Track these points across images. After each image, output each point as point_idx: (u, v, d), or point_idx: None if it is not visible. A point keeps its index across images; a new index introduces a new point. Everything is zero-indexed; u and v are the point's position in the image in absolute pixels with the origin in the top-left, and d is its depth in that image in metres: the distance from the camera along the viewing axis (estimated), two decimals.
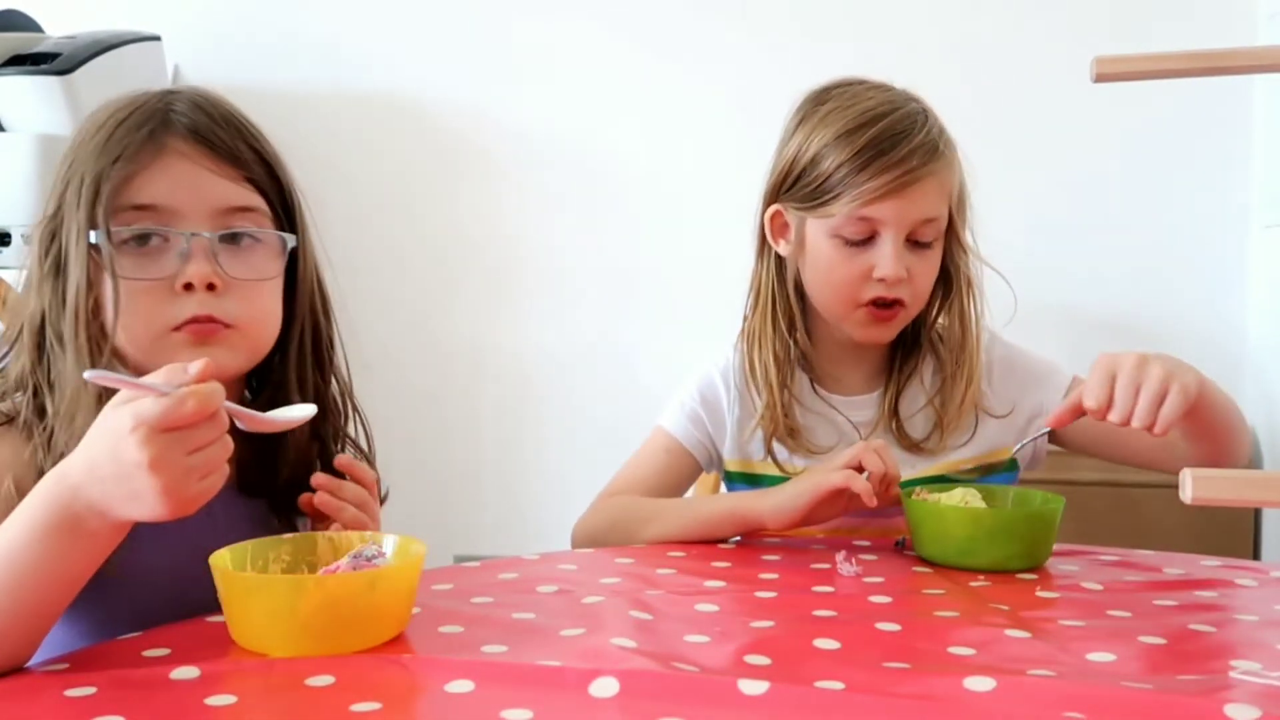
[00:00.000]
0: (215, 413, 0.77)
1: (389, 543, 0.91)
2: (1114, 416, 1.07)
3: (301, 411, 0.90)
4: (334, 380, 1.09)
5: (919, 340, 1.34)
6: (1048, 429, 1.21)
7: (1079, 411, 1.11)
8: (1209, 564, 1.14)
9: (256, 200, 0.99)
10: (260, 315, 0.98)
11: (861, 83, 1.31)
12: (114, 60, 2.19)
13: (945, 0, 2.30)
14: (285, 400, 1.01)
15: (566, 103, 2.42)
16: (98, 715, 0.72)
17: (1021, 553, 1.10)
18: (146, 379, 0.77)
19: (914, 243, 1.25)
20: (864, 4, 2.32)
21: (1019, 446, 1.27)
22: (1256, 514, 2.03)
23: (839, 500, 1.16)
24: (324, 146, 2.49)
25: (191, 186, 0.95)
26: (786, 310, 1.32)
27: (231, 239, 0.97)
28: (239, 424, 0.84)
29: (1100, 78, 0.69)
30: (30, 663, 0.82)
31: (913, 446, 1.30)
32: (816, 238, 1.27)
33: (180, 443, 0.76)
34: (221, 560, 0.86)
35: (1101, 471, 1.61)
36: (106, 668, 0.80)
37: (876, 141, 1.23)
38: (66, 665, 0.81)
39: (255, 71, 2.47)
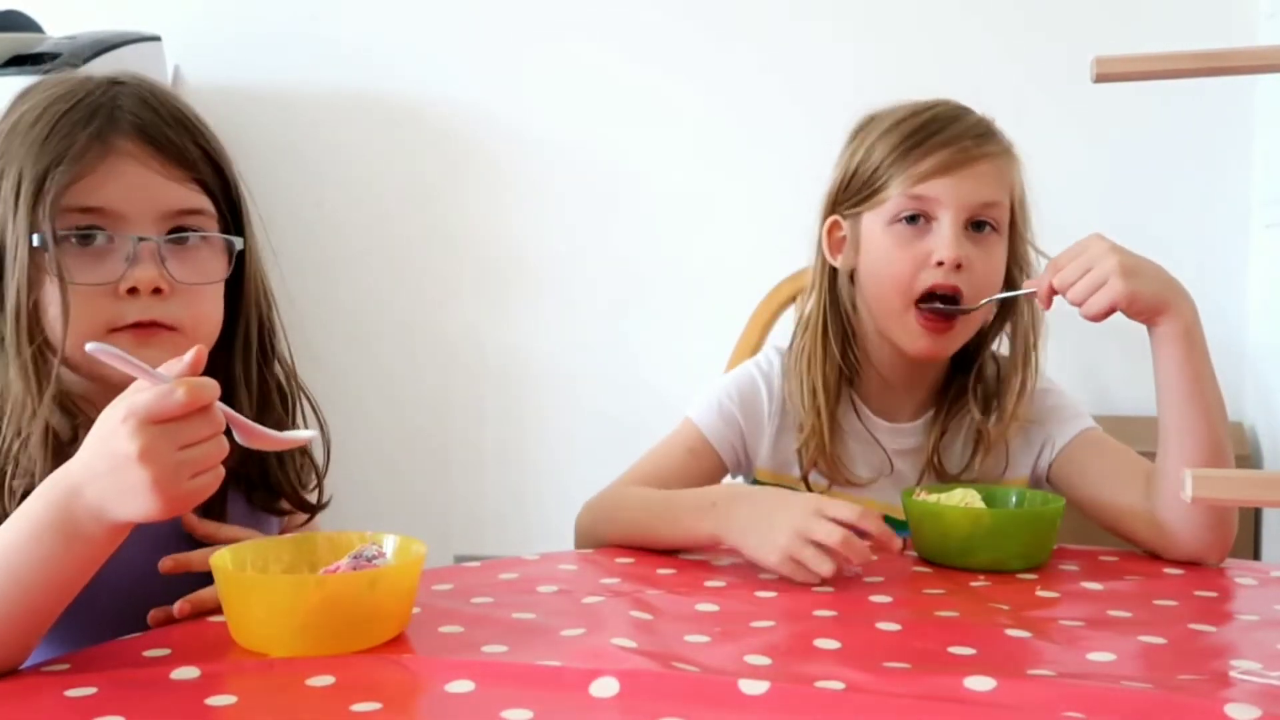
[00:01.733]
0: (208, 407, 0.77)
1: (389, 543, 0.91)
2: (1056, 282, 1.12)
3: (305, 434, 0.91)
4: (279, 369, 1.06)
5: (970, 368, 1.28)
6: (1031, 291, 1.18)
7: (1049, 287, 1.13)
8: (1209, 564, 1.14)
9: (204, 202, 0.97)
10: (203, 317, 0.96)
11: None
12: (114, 60, 2.19)
13: (945, 0, 2.30)
14: (231, 396, 0.99)
15: (567, 102, 2.42)
16: (98, 715, 0.72)
17: (1021, 553, 1.10)
18: (141, 363, 0.77)
19: (974, 230, 1.21)
20: (865, 5, 2.32)
21: None
22: (1256, 514, 2.03)
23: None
24: (324, 146, 2.49)
25: (139, 189, 0.93)
26: (840, 332, 1.27)
27: (178, 241, 0.95)
28: (237, 436, 0.83)
29: (1100, 78, 0.69)
30: (29, 663, 0.82)
31: (945, 477, 1.27)
32: (872, 232, 1.24)
33: (171, 435, 0.75)
34: (222, 560, 0.86)
35: None
36: (106, 668, 0.80)
37: (928, 125, 1.22)
38: (67, 665, 0.81)
39: (255, 71, 2.47)
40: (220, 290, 0.99)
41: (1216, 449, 1.12)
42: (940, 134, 1.22)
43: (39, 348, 0.90)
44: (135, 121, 0.93)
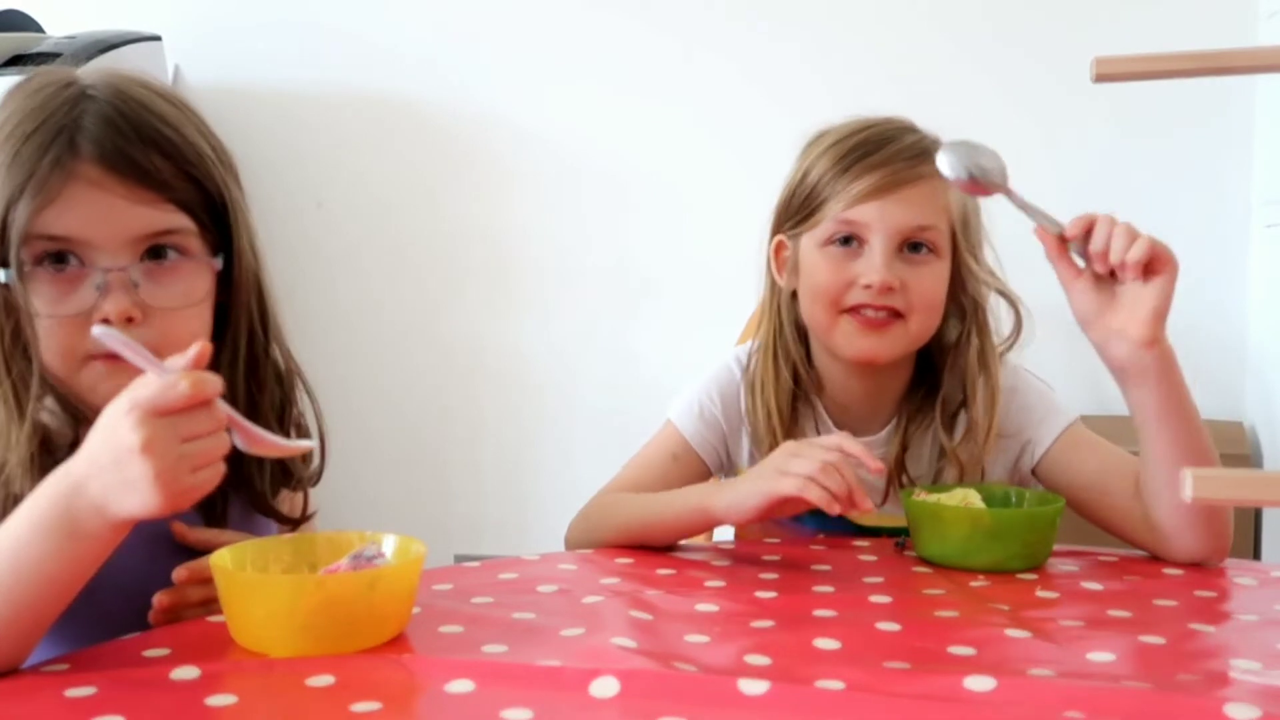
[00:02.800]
0: (210, 401, 0.77)
1: (389, 543, 0.91)
2: (1094, 245, 1.05)
3: (304, 444, 0.91)
4: (275, 364, 1.03)
5: (928, 379, 1.27)
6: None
7: (1060, 239, 1.07)
8: (1209, 565, 1.14)
9: (179, 220, 0.93)
10: (182, 340, 0.88)
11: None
12: (114, 61, 2.19)
13: (945, 1, 2.30)
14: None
15: (567, 103, 2.42)
16: (98, 715, 0.72)
17: (1021, 553, 1.10)
18: (147, 353, 0.77)
19: (910, 251, 1.21)
20: (865, 5, 2.32)
21: None
22: (1256, 514, 2.03)
23: (798, 502, 1.06)
24: (323, 146, 2.49)
25: (104, 216, 0.89)
26: (788, 354, 1.27)
27: (155, 258, 0.92)
28: (236, 440, 0.82)
29: (1100, 78, 0.69)
30: (29, 662, 0.82)
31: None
32: (809, 253, 1.24)
33: (174, 428, 0.75)
34: (222, 560, 0.86)
35: None
36: (106, 668, 0.80)
37: (862, 144, 1.21)
38: (67, 665, 0.81)
39: (255, 72, 2.47)
40: (206, 306, 0.96)
41: (1206, 445, 1.11)
42: (873, 155, 1.20)
43: (19, 375, 0.89)
44: (96, 146, 0.89)
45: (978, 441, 1.23)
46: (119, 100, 0.92)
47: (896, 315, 1.20)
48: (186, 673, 0.78)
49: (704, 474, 1.30)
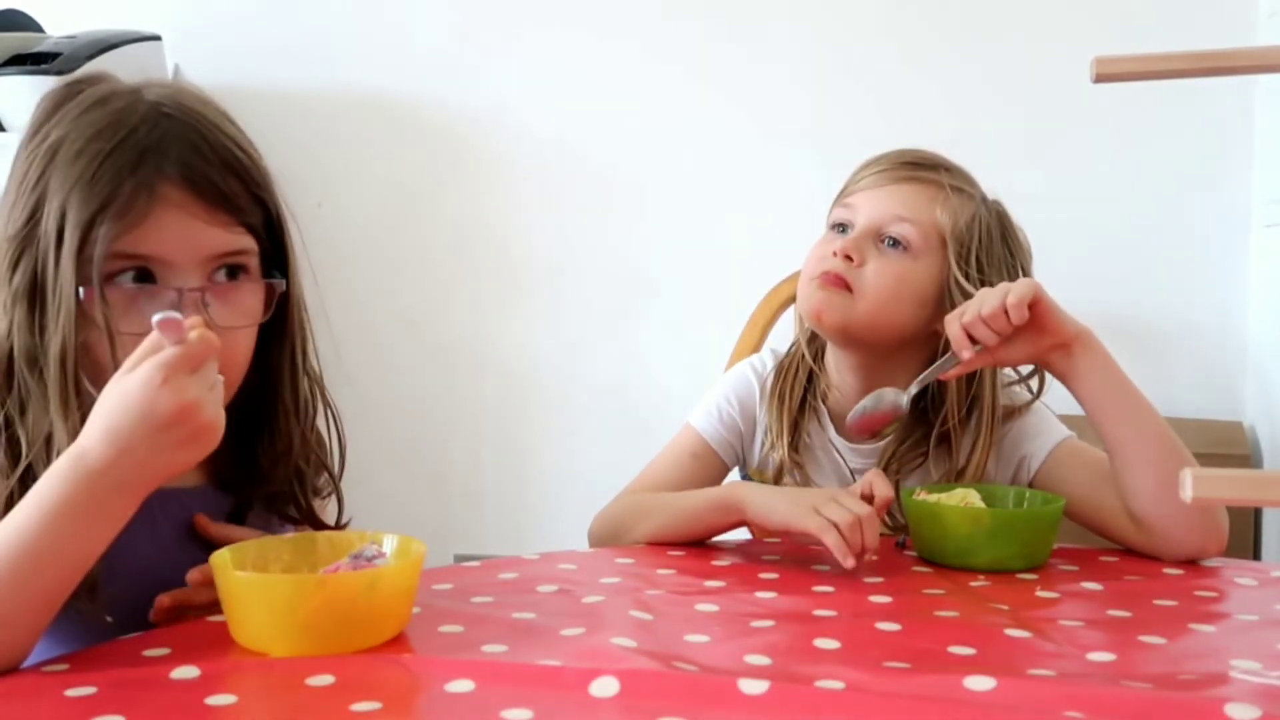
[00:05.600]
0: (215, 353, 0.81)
1: (389, 543, 0.92)
2: (985, 339, 1.13)
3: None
4: (311, 374, 1.07)
5: (928, 405, 1.30)
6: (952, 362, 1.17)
7: (966, 343, 1.15)
8: (1209, 564, 1.14)
9: (247, 242, 0.96)
10: (241, 360, 0.96)
11: None
12: (114, 60, 2.19)
13: (945, 0, 2.30)
14: (265, 418, 1.02)
15: (568, 103, 2.42)
16: (98, 715, 0.72)
17: (1021, 553, 1.10)
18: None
19: (885, 245, 1.27)
20: (866, 5, 2.32)
21: None
22: (1256, 514, 2.03)
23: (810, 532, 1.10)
24: (324, 146, 2.49)
25: (186, 238, 0.91)
26: (805, 364, 1.35)
27: (223, 278, 0.94)
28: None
29: (1100, 78, 0.69)
30: (29, 663, 0.82)
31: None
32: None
33: (205, 378, 0.80)
34: (222, 560, 0.86)
35: None
36: (106, 668, 0.80)
37: (884, 153, 1.32)
38: (67, 665, 0.81)
39: (255, 71, 2.46)
40: (255, 328, 0.98)
41: (1172, 441, 1.15)
42: (887, 156, 1.32)
43: (79, 388, 0.90)
44: (183, 169, 0.91)
45: (976, 450, 1.27)
46: (195, 120, 0.94)
47: (847, 287, 1.26)
48: (186, 673, 0.78)
49: (723, 473, 1.36)
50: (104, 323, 0.88)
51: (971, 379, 1.27)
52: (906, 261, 1.26)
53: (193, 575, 0.94)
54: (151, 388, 0.77)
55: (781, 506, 1.12)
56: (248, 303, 0.97)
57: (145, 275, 0.91)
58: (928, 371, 1.20)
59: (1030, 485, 1.27)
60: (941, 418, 1.28)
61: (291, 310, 1.02)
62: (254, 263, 0.97)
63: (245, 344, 0.97)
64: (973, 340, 1.14)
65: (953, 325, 1.15)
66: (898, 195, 1.27)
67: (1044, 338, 1.15)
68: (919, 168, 1.29)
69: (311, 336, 1.06)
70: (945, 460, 1.29)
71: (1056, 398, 1.28)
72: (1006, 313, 1.11)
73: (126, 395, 0.78)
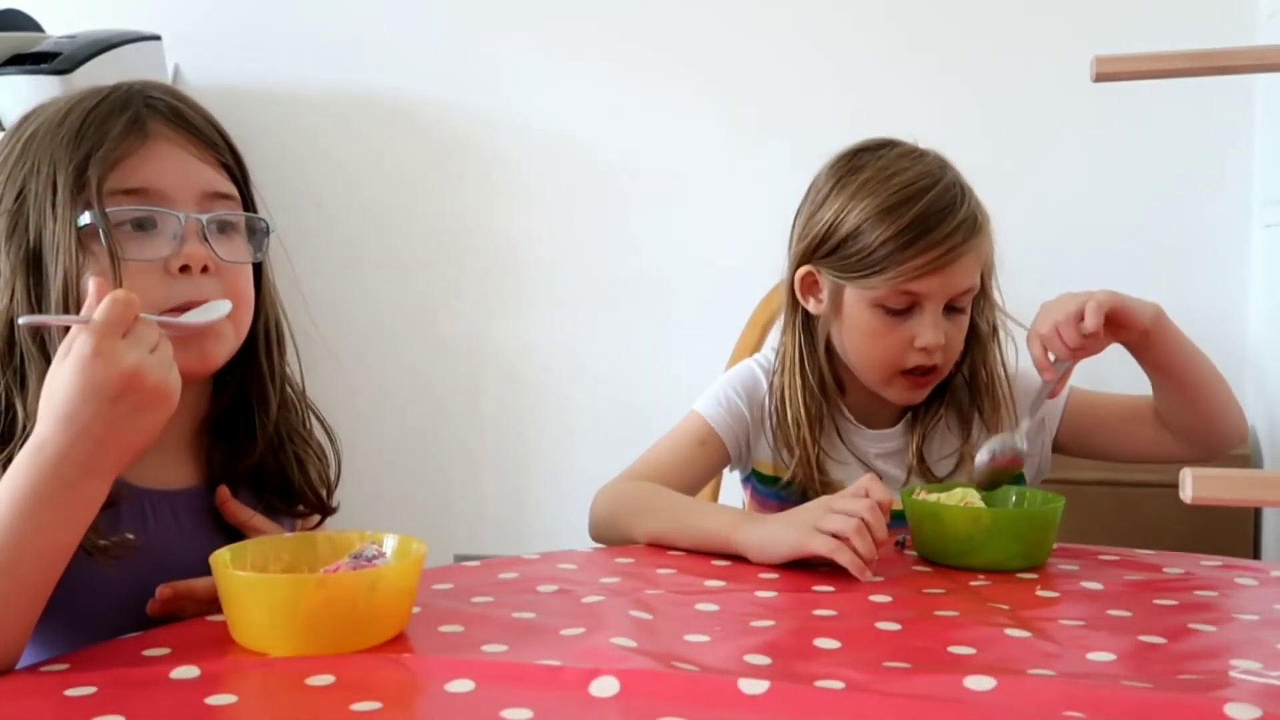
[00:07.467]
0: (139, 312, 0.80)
1: (389, 543, 0.92)
2: (1056, 349, 1.19)
3: (220, 309, 0.93)
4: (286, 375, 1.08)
5: (944, 385, 1.34)
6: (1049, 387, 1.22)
7: (1047, 364, 1.20)
8: (1209, 564, 1.14)
9: (234, 188, 1.00)
10: (246, 300, 0.98)
11: (892, 146, 1.32)
12: (114, 60, 2.19)
13: (945, 0, 2.30)
14: (258, 393, 1.03)
15: (568, 103, 2.42)
16: (98, 715, 0.72)
17: (1021, 553, 1.10)
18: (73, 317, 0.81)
19: (949, 309, 1.28)
20: (866, 5, 2.32)
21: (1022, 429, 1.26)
22: (1256, 514, 2.03)
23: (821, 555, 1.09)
24: (324, 146, 2.49)
25: (180, 170, 0.95)
26: (816, 368, 1.33)
27: (217, 225, 0.97)
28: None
29: (1100, 77, 0.69)
30: (30, 663, 0.82)
31: (931, 478, 1.32)
32: (856, 306, 1.29)
33: (140, 342, 0.79)
34: (221, 560, 0.86)
35: (1101, 471, 1.61)
36: (106, 668, 0.80)
37: (921, 219, 1.25)
38: (67, 665, 0.81)
39: (255, 71, 2.46)
40: (251, 274, 1.01)
41: (1212, 365, 1.27)
42: (934, 231, 1.25)
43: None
44: (166, 107, 0.96)
45: (999, 415, 1.32)
46: (168, 85, 1.02)
47: (937, 369, 1.29)
48: (186, 672, 0.78)
49: (725, 460, 1.36)
50: (106, 244, 0.90)
51: (970, 350, 1.33)
52: (967, 316, 1.31)
53: (163, 591, 0.93)
54: (86, 363, 0.77)
55: (781, 536, 1.09)
56: (243, 249, 0.99)
57: (142, 224, 0.93)
58: (1031, 403, 1.25)
59: (1058, 440, 1.35)
60: (952, 390, 1.34)
61: (265, 282, 1.04)
62: (240, 222, 0.99)
63: (247, 284, 0.99)
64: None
65: (1034, 347, 1.20)
66: (960, 268, 1.26)
67: (1122, 333, 1.20)
68: (964, 228, 1.26)
69: (286, 319, 1.08)
70: (964, 428, 1.34)
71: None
72: (1083, 330, 1.16)
73: (66, 377, 0.78)
